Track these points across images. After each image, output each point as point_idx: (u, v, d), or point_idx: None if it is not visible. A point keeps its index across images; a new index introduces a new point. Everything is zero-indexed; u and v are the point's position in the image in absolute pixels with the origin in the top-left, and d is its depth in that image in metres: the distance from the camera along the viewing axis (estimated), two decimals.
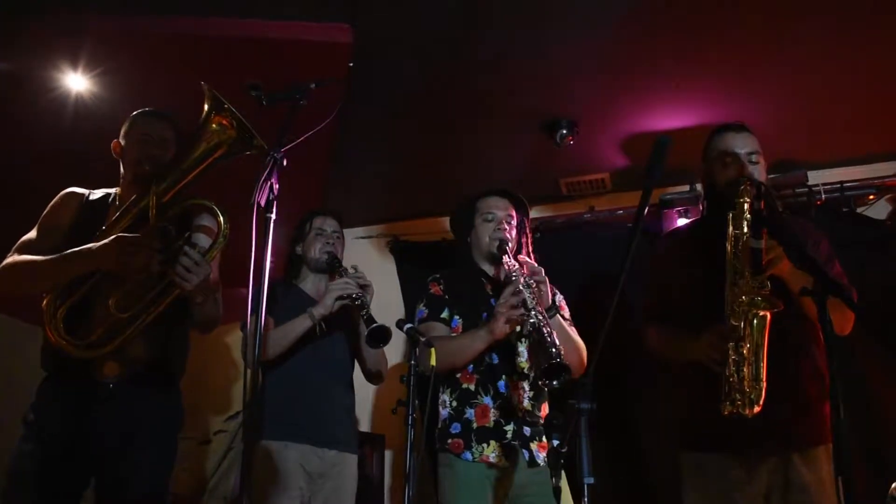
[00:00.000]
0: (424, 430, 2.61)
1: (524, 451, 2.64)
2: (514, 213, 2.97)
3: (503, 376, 2.74)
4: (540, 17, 3.17)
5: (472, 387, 2.75)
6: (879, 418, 3.59)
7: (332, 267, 3.05)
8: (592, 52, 3.40)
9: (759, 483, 2.34)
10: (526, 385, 2.73)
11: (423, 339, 2.51)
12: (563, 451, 1.79)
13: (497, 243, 2.84)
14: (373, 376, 3.14)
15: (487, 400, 2.71)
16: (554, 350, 2.39)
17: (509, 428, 2.66)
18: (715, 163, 2.57)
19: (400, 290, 4.90)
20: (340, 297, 2.86)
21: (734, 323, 2.25)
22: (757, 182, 2.40)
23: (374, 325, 2.68)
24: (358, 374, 3.18)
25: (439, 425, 2.79)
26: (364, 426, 4.59)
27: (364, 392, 3.21)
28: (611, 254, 4.20)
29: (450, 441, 2.70)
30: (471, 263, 2.97)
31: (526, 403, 2.70)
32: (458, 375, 2.77)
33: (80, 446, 2.36)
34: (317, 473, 2.87)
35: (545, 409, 2.77)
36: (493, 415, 2.69)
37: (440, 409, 2.81)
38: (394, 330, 2.69)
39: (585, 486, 1.63)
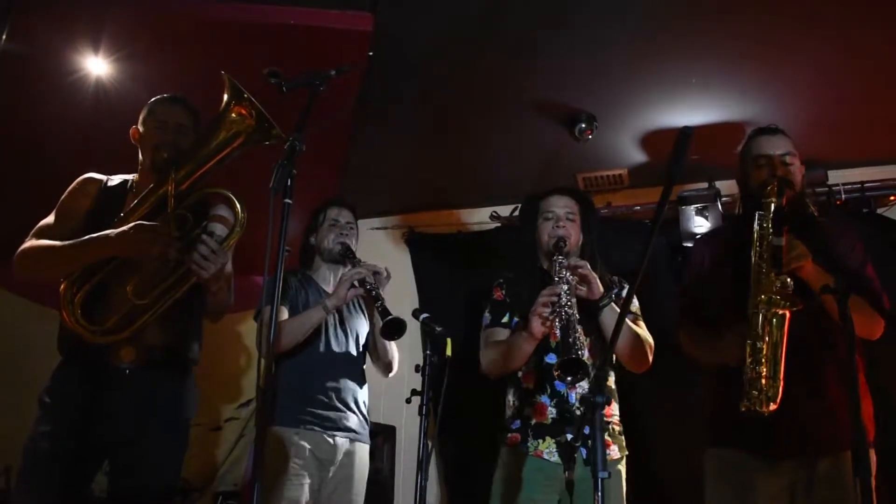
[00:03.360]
0: (438, 420, 2.61)
1: (582, 448, 2.60)
2: (576, 211, 2.96)
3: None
4: (562, 10, 3.16)
5: (531, 386, 2.77)
6: None
7: (346, 258, 3.05)
8: (614, 46, 3.37)
9: (783, 477, 2.34)
10: (585, 383, 2.69)
11: (438, 329, 2.51)
12: (577, 444, 1.78)
13: (554, 241, 2.83)
14: (384, 367, 3.14)
15: (545, 399, 2.73)
16: (575, 346, 2.40)
17: (566, 426, 2.67)
18: (749, 166, 2.60)
19: (415, 281, 4.90)
20: (353, 287, 2.86)
21: (754, 322, 2.25)
22: (783, 180, 2.40)
23: (390, 317, 2.68)
24: (370, 364, 3.18)
25: (504, 423, 2.82)
26: (376, 417, 4.59)
27: (377, 383, 3.21)
28: (627, 250, 4.20)
29: (508, 436, 2.74)
30: (534, 263, 2.98)
31: None
32: (520, 375, 2.80)
33: (95, 429, 2.37)
34: (327, 461, 2.88)
35: (610, 409, 2.77)
36: (550, 413, 2.70)
37: (506, 408, 2.85)
38: (409, 320, 2.69)
39: (600, 481, 1.62)
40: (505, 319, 2.88)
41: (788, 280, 2.24)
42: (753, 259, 2.33)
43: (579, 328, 2.50)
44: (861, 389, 2.38)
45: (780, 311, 2.22)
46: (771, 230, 2.30)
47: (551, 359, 2.74)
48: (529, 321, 2.62)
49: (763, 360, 2.22)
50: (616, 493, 2.66)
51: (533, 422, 2.71)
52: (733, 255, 2.58)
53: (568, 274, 2.66)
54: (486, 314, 2.94)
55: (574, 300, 2.60)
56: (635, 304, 2.93)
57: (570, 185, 3.06)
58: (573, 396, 2.71)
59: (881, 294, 2.40)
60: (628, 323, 2.79)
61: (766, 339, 2.23)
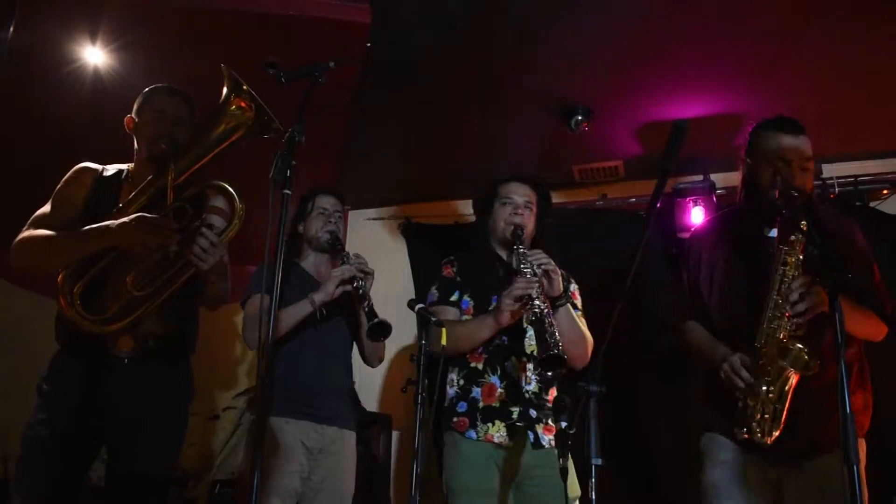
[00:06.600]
0: (434, 410, 2.63)
1: (529, 432, 2.64)
2: (534, 201, 2.97)
3: (511, 357, 2.75)
4: (558, 2, 3.16)
5: (480, 366, 2.76)
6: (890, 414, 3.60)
7: (334, 246, 3.07)
8: (610, 38, 3.38)
9: (775, 469, 2.35)
10: (533, 367, 2.73)
11: (433, 320, 2.53)
12: (572, 432, 1.81)
13: (511, 228, 2.85)
14: (371, 360, 3.16)
15: (495, 379, 2.72)
16: (552, 342, 2.42)
17: (515, 409, 2.66)
18: (764, 162, 2.47)
19: (410, 271, 4.92)
20: (342, 284, 2.88)
21: (762, 362, 2.24)
22: (812, 234, 2.27)
23: (376, 320, 2.71)
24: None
25: (446, 404, 2.81)
26: (372, 406, 4.61)
27: (372, 373, 3.23)
28: (622, 242, 4.22)
29: (455, 419, 2.72)
30: (487, 246, 2.99)
31: (533, 386, 2.71)
32: (468, 355, 2.79)
33: (93, 418, 2.39)
34: (317, 449, 2.89)
35: (553, 393, 2.77)
36: (499, 395, 2.69)
37: (447, 387, 2.82)
38: (405, 310, 2.71)
39: (593, 467, 1.64)
40: (454, 298, 2.88)
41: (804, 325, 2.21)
42: (771, 291, 2.27)
43: (555, 323, 2.52)
44: (856, 381, 2.38)
45: (794, 377, 2.18)
46: (794, 272, 2.25)
47: (504, 340, 2.75)
48: (498, 309, 2.63)
49: (770, 403, 2.20)
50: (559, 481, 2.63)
51: (481, 405, 2.70)
52: (733, 246, 2.56)
53: (535, 267, 2.66)
54: (433, 290, 2.93)
55: (543, 294, 2.61)
56: (580, 301, 2.95)
57: (530, 174, 3.05)
58: (524, 380, 2.70)
59: (890, 301, 2.38)
60: (577, 319, 2.82)
61: (775, 387, 2.21)
